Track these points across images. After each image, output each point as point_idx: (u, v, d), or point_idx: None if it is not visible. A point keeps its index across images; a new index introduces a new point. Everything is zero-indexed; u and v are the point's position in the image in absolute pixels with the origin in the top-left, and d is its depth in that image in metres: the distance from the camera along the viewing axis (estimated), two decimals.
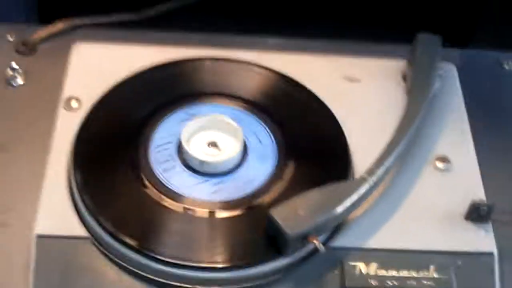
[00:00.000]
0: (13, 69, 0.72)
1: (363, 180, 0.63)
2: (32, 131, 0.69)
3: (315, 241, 0.59)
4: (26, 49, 0.75)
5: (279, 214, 0.60)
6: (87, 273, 0.60)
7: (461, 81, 0.75)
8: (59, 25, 0.76)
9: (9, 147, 0.68)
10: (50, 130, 0.68)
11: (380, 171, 0.63)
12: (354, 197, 0.61)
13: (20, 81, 0.72)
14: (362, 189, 0.62)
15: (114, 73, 0.71)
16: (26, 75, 0.73)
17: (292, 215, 0.60)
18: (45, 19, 0.78)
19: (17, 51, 0.75)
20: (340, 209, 0.61)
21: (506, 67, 0.78)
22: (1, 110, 0.71)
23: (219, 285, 0.60)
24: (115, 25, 0.78)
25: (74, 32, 0.77)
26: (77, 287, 0.60)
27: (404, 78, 0.74)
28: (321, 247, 0.59)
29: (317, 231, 0.60)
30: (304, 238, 0.59)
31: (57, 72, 0.73)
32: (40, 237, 0.61)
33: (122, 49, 0.74)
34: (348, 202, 0.61)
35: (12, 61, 0.73)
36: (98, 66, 0.72)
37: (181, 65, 0.72)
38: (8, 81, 0.72)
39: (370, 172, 0.63)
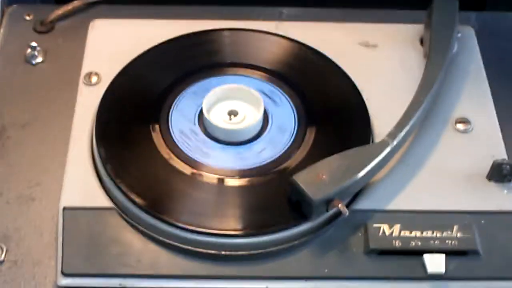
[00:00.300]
0: (32, 48, 0.73)
1: (385, 143, 0.63)
2: (53, 107, 0.70)
3: (339, 205, 0.60)
4: (44, 28, 0.76)
5: (303, 180, 0.60)
6: (114, 242, 0.61)
7: (479, 44, 0.74)
8: (75, 3, 0.77)
9: (32, 124, 0.69)
10: (71, 106, 0.69)
11: (401, 134, 0.63)
12: (376, 160, 0.62)
13: (39, 59, 0.73)
14: (384, 152, 0.62)
15: (132, 48, 0.72)
16: (45, 53, 0.74)
17: (316, 180, 0.60)
18: (60, 0, 0.79)
19: (35, 30, 0.76)
20: (363, 173, 0.61)
21: None
22: (22, 88, 0.72)
23: (247, 250, 0.61)
24: (129, 1, 0.79)
25: (90, 10, 0.78)
26: (105, 257, 0.60)
27: (422, 42, 0.74)
28: (345, 210, 0.60)
29: (340, 195, 0.60)
30: (328, 202, 0.60)
31: (75, 49, 0.74)
32: (66, 209, 0.62)
33: (139, 24, 0.75)
34: (370, 166, 0.61)
35: (30, 40, 0.73)
36: (116, 41, 0.73)
37: (199, 37, 0.73)
38: (28, 59, 0.73)
39: (392, 135, 0.63)
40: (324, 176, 0.60)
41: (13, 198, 0.65)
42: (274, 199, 0.62)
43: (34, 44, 0.72)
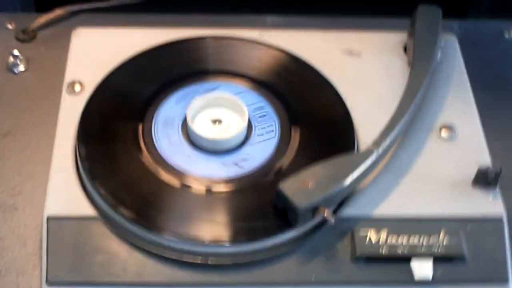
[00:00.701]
0: (14, 56, 0.72)
1: (370, 151, 0.63)
2: (36, 116, 0.69)
3: (325, 213, 0.59)
4: (26, 36, 0.75)
5: (289, 188, 0.60)
6: (99, 251, 0.60)
7: (462, 51, 0.75)
8: (57, 12, 0.76)
9: (15, 133, 0.68)
10: (54, 114, 0.68)
11: (386, 142, 0.64)
12: (362, 168, 0.62)
13: (21, 67, 0.72)
14: (370, 160, 0.62)
15: (115, 56, 0.71)
16: (27, 61, 0.73)
17: (301, 188, 0.60)
18: (41, 9, 0.78)
19: (18, 39, 0.75)
20: (348, 180, 0.61)
21: (507, 36, 0.78)
22: (4, 97, 0.71)
23: (233, 258, 0.60)
24: (112, 9, 0.78)
25: (73, 18, 0.77)
26: (90, 265, 0.60)
27: (405, 50, 0.74)
28: (330, 218, 0.60)
29: (326, 202, 0.60)
30: (314, 210, 0.60)
31: (58, 57, 0.73)
32: (51, 218, 0.61)
33: (122, 33, 0.74)
34: (356, 174, 0.61)
35: (12, 48, 0.73)
36: (99, 50, 0.72)
37: (182, 45, 0.72)
38: (10, 68, 0.72)
39: (377, 143, 0.63)
40: (310, 184, 0.60)
41: None
42: (260, 207, 0.62)
43: (16, 52, 0.72)
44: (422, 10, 0.73)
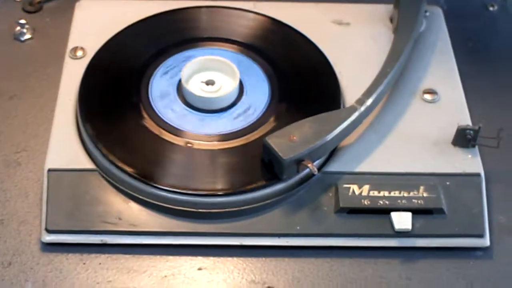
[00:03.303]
0: (21, 25, 0.76)
1: (353, 108, 0.66)
2: (40, 80, 0.74)
3: (309, 165, 0.63)
4: (32, 8, 0.79)
5: (275, 141, 0.63)
6: (96, 201, 0.64)
7: (447, 23, 0.78)
8: None
9: (20, 95, 0.73)
10: (57, 79, 0.72)
11: (369, 101, 0.67)
12: (345, 124, 0.65)
13: (27, 36, 0.77)
14: (353, 117, 0.65)
15: (115, 25, 0.75)
16: (33, 30, 0.77)
17: (287, 142, 0.63)
18: None
19: (24, 10, 0.79)
20: (332, 135, 0.64)
21: (491, 8, 0.81)
22: (11, 62, 0.75)
23: (222, 208, 0.64)
24: None
25: None
26: (87, 215, 0.63)
27: (391, 20, 0.77)
28: (314, 169, 0.63)
29: (310, 156, 0.63)
30: (298, 163, 0.63)
31: (62, 28, 0.77)
32: (51, 170, 0.65)
33: (122, 4, 0.78)
34: (339, 129, 0.65)
35: (19, 18, 0.77)
36: (101, 19, 0.76)
37: (179, 14, 0.76)
38: (17, 37, 0.77)
39: (360, 101, 0.67)
40: (295, 138, 0.63)
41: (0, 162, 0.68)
42: (248, 162, 0.66)
43: (22, 21, 0.76)
44: None
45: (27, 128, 0.70)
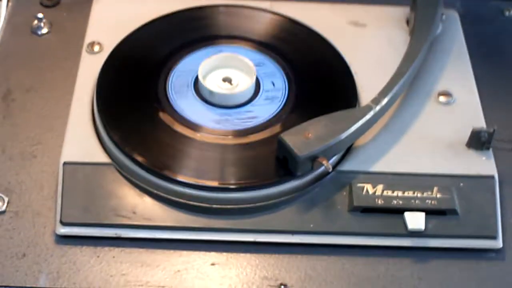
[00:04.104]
0: (38, 19, 0.77)
1: (368, 107, 0.66)
2: (57, 74, 0.74)
3: (323, 162, 0.63)
4: (50, 2, 0.80)
5: (290, 138, 0.64)
6: (110, 195, 0.64)
7: (463, 27, 0.78)
8: None
9: (37, 88, 0.73)
10: (74, 73, 0.72)
11: (384, 100, 0.67)
12: (360, 123, 0.65)
13: (45, 30, 0.77)
14: (368, 116, 0.66)
15: (133, 21, 0.76)
16: (50, 25, 0.78)
17: (302, 139, 0.63)
18: None
19: (42, 4, 0.80)
20: (347, 133, 0.64)
21: (507, 13, 0.81)
22: (28, 56, 0.75)
23: (237, 204, 0.64)
24: None
25: None
26: (102, 208, 0.64)
27: (407, 22, 0.77)
28: (329, 167, 0.63)
29: (325, 153, 0.64)
30: (313, 160, 0.63)
31: (80, 23, 0.78)
32: (66, 163, 0.65)
33: (139, 1, 0.78)
34: (354, 128, 0.65)
35: (37, 12, 0.77)
36: (118, 15, 0.77)
37: (198, 11, 0.77)
38: (34, 30, 0.77)
39: (375, 100, 0.67)
40: (310, 135, 0.64)
41: (16, 155, 0.68)
42: (263, 158, 0.66)
43: (40, 15, 0.76)
44: None
45: (43, 121, 0.70)
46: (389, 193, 0.65)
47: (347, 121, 0.65)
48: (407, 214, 0.64)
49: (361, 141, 0.68)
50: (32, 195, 0.66)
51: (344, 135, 0.64)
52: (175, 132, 0.67)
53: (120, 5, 0.78)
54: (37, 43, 0.77)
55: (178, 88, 0.70)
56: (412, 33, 0.73)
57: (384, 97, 0.67)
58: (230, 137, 0.67)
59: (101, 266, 0.62)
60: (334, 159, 0.66)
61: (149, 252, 0.63)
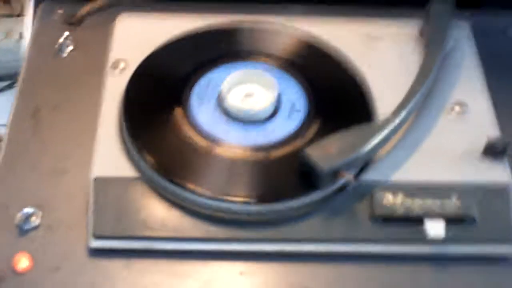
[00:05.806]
0: (64, 38, 0.79)
1: (387, 121, 0.69)
2: (83, 91, 0.76)
3: (345, 175, 0.65)
4: (74, 21, 0.82)
5: (313, 152, 0.66)
6: (140, 208, 0.67)
7: (475, 38, 0.80)
8: (103, 0, 0.83)
9: (63, 105, 0.75)
10: (99, 90, 0.74)
11: (402, 114, 0.69)
12: (380, 136, 0.68)
13: (70, 48, 0.79)
14: (387, 129, 0.68)
15: (156, 39, 0.78)
16: (75, 43, 0.80)
17: (325, 153, 0.66)
18: None
19: (66, 23, 0.82)
20: (368, 147, 0.67)
21: None
22: (53, 74, 0.78)
23: (262, 215, 0.66)
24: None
25: (117, 7, 0.84)
26: (132, 221, 0.66)
27: (421, 35, 0.80)
28: (351, 180, 0.66)
29: (347, 167, 0.66)
30: (335, 174, 0.66)
31: (104, 41, 0.79)
32: (97, 179, 0.68)
33: (163, 18, 0.81)
34: (374, 141, 0.67)
35: (62, 31, 0.80)
36: (141, 33, 0.79)
37: (218, 29, 0.79)
38: (59, 48, 0.79)
39: (394, 114, 0.69)
40: (332, 150, 0.66)
41: (47, 171, 0.70)
42: (287, 172, 0.68)
43: (65, 34, 0.79)
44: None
45: (71, 137, 0.73)
46: (409, 201, 0.67)
47: (368, 135, 0.67)
48: (427, 223, 0.66)
49: (380, 152, 0.70)
50: (64, 210, 0.68)
51: (365, 149, 0.66)
52: (201, 147, 0.69)
53: (142, 23, 0.80)
54: (63, 61, 0.79)
55: (202, 103, 0.72)
56: (426, 45, 0.76)
57: (403, 109, 0.69)
58: (255, 152, 0.69)
59: (133, 277, 0.65)
60: (355, 169, 0.69)
61: (179, 263, 0.66)
